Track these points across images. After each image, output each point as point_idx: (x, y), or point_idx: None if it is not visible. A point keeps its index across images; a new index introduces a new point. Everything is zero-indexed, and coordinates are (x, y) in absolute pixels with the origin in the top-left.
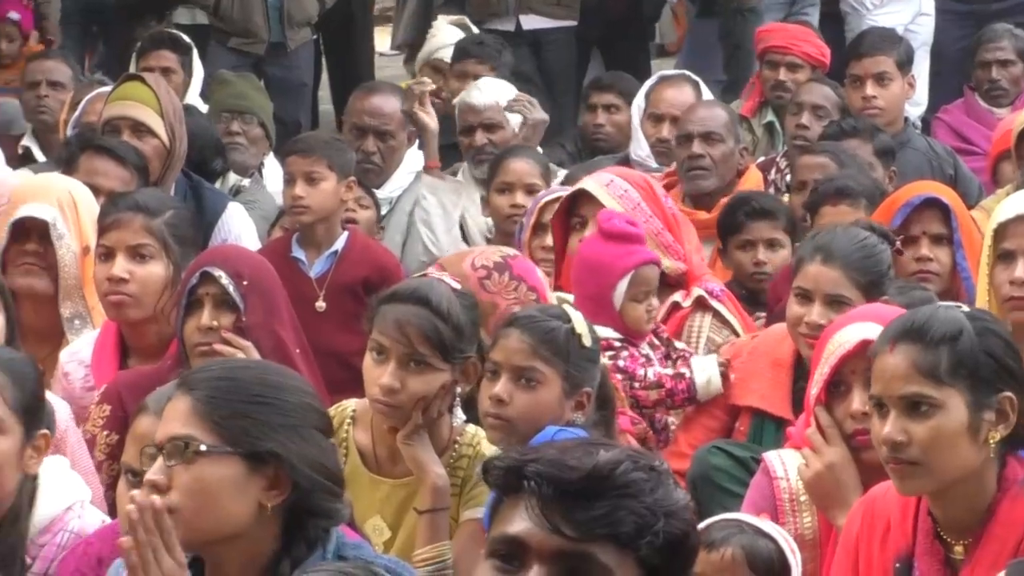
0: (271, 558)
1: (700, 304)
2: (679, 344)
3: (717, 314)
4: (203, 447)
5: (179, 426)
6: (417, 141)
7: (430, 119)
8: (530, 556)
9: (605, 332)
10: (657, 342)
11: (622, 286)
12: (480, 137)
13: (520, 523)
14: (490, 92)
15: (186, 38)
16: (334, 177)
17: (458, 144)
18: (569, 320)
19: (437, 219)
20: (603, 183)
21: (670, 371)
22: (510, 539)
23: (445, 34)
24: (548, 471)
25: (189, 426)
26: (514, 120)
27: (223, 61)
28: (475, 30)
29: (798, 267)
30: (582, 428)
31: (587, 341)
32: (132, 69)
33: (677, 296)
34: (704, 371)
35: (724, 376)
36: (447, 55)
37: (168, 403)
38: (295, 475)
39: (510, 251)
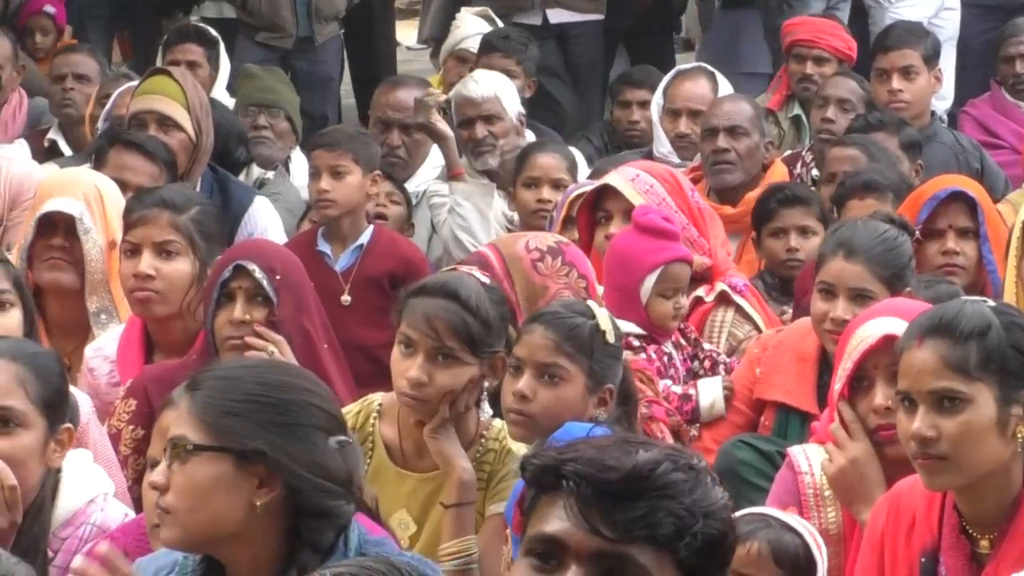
0: (280, 560)
1: (723, 299)
2: (707, 345)
3: (739, 309)
4: (190, 446)
5: (177, 426)
6: None
7: (446, 128)
8: (568, 556)
9: (628, 327)
10: (684, 342)
11: (650, 281)
12: (480, 129)
13: (558, 523)
14: (487, 84)
15: (213, 31)
16: (359, 171)
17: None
18: (593, 316)
19: (476, 224)
20: (629, 178)
21: (679, 389)
22: (548, 538)
23: (469, 25)
24: (587, 471)
25: (184, 426)
26: (512, 109)
27: (250, 55)
28: (499, 22)
29: (820, 263)
30: (604, 425)
31: (611, 338)
32: (159, 63)
33: (700, 291)
34: (709, 394)
35: (727, 399)
36: (471, 45)
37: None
38: (283, 474)
39: (563, 238)
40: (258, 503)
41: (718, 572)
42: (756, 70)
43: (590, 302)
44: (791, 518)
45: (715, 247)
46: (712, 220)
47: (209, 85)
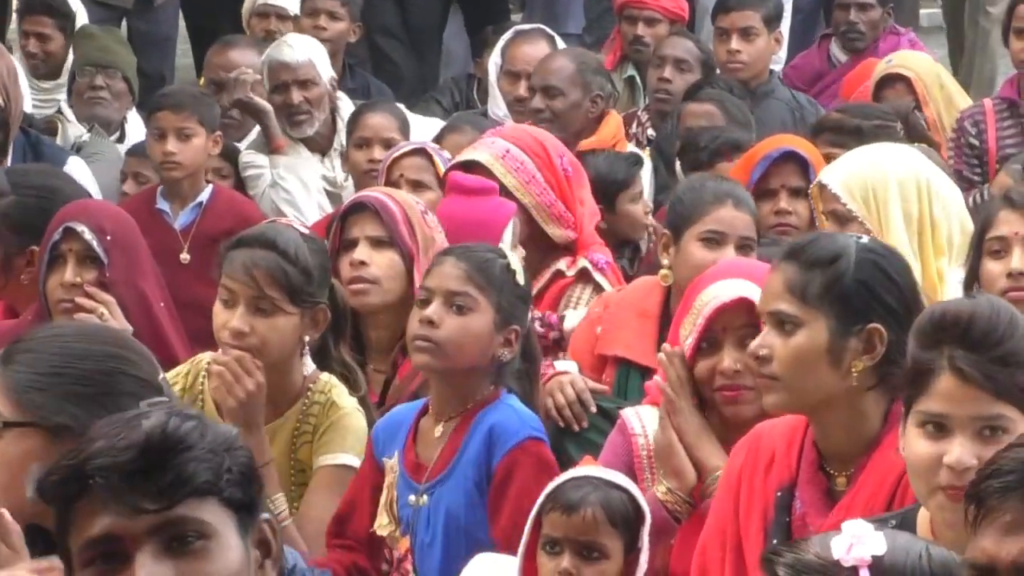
0: None
1: (583, 275)
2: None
3: (598, 287)
4: (1, 423)
5: None
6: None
7: (264, 103)
8: (128, 546)
9: None
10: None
11: (507, 236)
12: (296, 95)
13: (104, 520)
14: (301, 49)
15: (69, 3)
16: (204, 132)
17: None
18: (505, 256)
19: (300, 196)
20: (498, 155)
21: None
22: (102, 539)
23: None
24: (107, 461)
25: None
26: (326, 74)
27: (90, 14)
28: None
29: (698, 213)
30: (507, 368)
31: (520, 279)
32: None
33: (562, 264)
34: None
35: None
36: None
37: None
38: None
39: None
40: None
41: (258, 496)
42: (568, 30)
43: (502, 246)
44: (611, 474)
45: (581, 217)
46: (580, 182)
47: (63, 56)
